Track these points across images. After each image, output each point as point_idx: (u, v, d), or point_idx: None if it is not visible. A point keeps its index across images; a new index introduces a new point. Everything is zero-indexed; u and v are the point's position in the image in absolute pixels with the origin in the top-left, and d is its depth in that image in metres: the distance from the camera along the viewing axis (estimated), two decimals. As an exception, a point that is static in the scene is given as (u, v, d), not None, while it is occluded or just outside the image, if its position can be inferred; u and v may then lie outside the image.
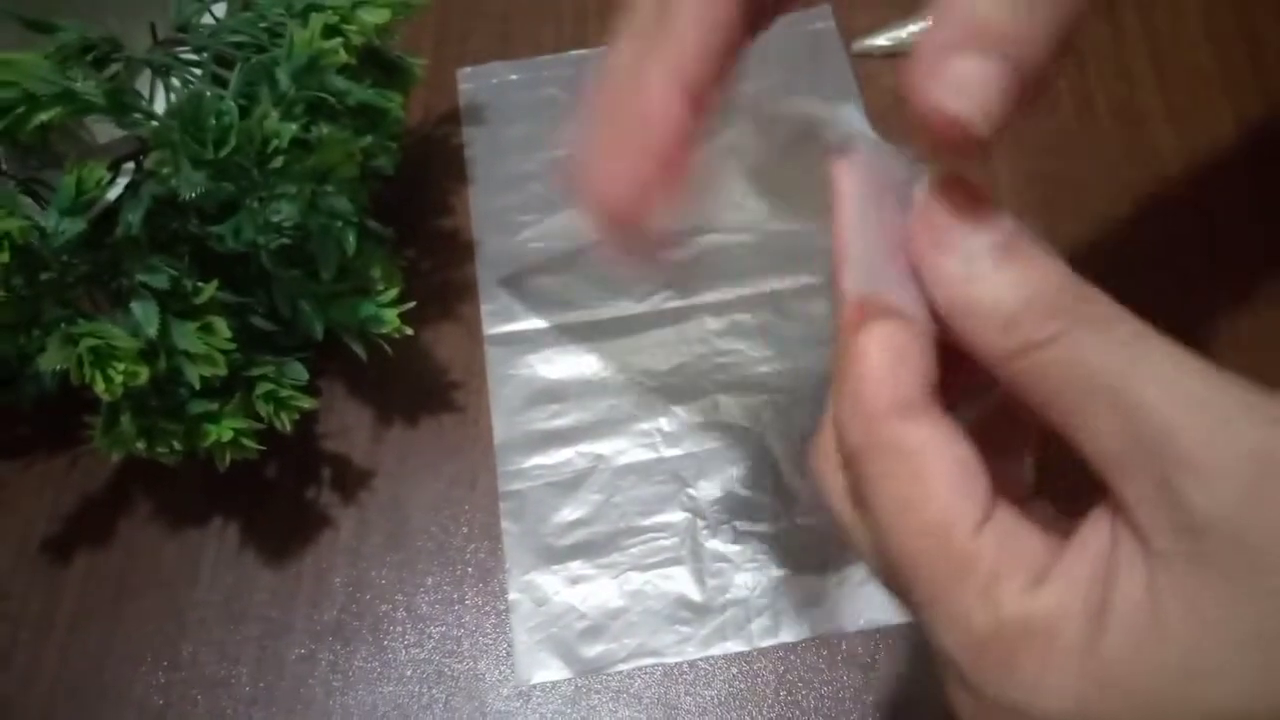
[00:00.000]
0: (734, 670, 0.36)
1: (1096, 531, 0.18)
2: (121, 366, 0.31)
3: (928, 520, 0.19)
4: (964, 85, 0.19)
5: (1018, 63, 0.19)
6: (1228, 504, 0.16)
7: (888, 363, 0.19)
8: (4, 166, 0.36)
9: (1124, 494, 0.17)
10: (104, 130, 0.40)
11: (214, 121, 0.32)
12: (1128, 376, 0.17)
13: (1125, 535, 0.18)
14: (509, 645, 0.37)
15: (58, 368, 0.32)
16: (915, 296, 0.20)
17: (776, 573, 0.37)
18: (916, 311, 0.20)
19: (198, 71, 0.37)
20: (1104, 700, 0.17)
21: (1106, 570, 0.18)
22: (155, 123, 0.34)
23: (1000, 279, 0.19)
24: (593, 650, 0.36)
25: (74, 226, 0.32)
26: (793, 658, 0.36)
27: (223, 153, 0.32)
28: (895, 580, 0.20)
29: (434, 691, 0.36)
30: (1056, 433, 0.18)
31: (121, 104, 0.33)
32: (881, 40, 0.49)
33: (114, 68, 0.36)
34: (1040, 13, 0.19)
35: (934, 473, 0.19)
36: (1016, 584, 0.18)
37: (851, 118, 0.21)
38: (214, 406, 0.35)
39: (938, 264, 0.20)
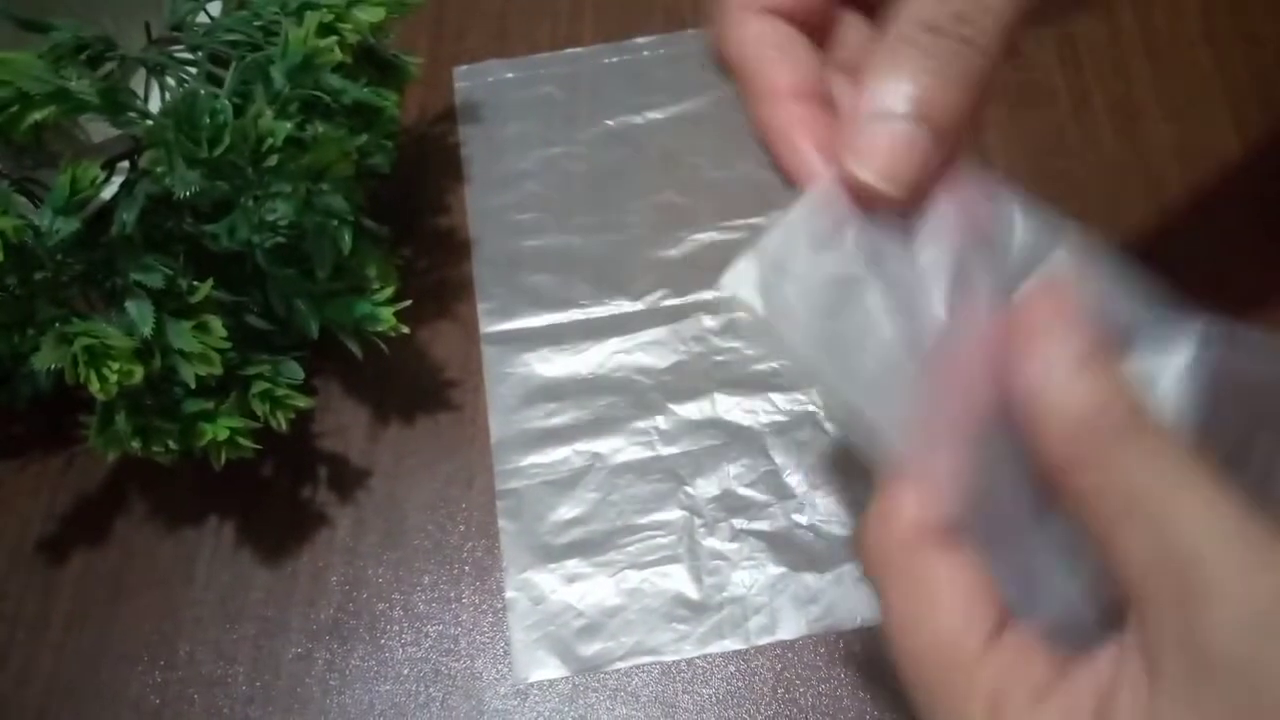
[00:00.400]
0: (731, 668, 0.36)
1: (1105, 653, 0.19)
2: (116, 366, 0.31)
3: (937, 638, 0.20)
4: (872, 153, 0.20)
5: (930, 127, 0.20)
6: (1240, 639, 0.16)
7: (917, 499, 0.21)
8: (-2, 165, 0.36)
9: (1142, 612, 0.18)
10: (98, 129, 0.40)
11: (208, 120, 0.32)
12: (1166, 501, 0.18)
13: (1133, 656, 0.18)
14: (506, 644, 0.37)
15: (52, 367, 0.32)
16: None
17: (774, 571, 0.37)
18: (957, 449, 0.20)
19: (192, 70, 0.37)
20: None
21: (1109, 690, 0.18)
22: (150, 122, 0.34)
23: (1073, 389, 0.19)
24: (590, 649, 0.36)
25: (68, 225, 0.32)
26: (790, 655, 0.36)
27: (217, 151, 0.32)
28: (903, 674, 0.21)
29: (431, 690, 0.36)
30: (1096, 543, 0.19)
31: (116, 103, 0.33)
32: (878, 38, 0.49)
33: (108, 67, 0.36)
34: (951, 75, 0.20)
35: (946, 598, 0.20)
36: (1019, 701, 0.19)
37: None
38: (209, 406, 0.35)
39: (1023, 358, 0.20)
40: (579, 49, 0.50)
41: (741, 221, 0.45)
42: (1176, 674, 0.17)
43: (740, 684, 0.35)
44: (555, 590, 0.37)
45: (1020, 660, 0.19)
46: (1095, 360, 0.20)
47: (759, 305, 0.20)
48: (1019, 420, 0.20)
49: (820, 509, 0.38)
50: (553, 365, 0.42)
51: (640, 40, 0.50)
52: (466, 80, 0.50)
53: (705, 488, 0.39)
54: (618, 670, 0.36)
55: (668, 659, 0.36)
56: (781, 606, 0.36)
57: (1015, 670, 0.19)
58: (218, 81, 0.36)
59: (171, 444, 0.34)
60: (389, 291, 0.38)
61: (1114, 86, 0.46)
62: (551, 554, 0.38)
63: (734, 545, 0.38)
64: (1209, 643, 0.17)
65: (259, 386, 0.36)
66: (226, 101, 0.33)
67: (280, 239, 0.35)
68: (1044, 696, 0.19)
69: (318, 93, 0.36)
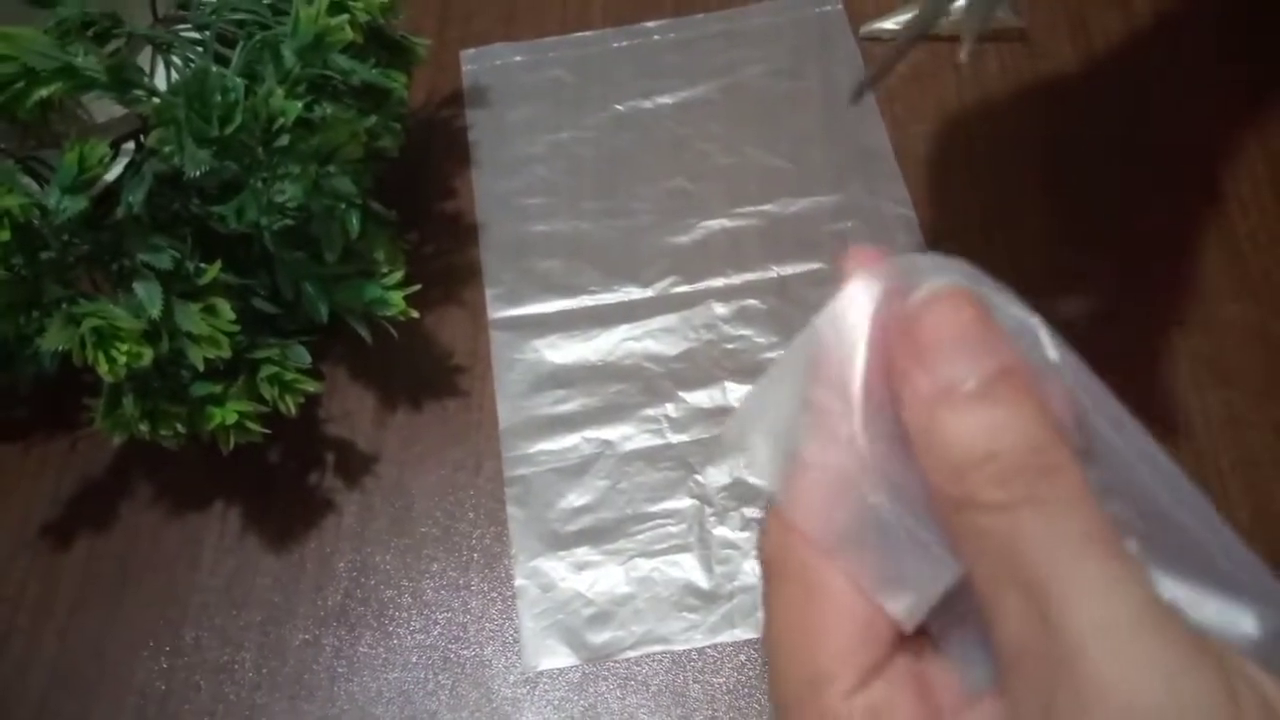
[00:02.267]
0: (742, 657, 0.35)
1: (984, 709, 0.17)
2: (125, 347, 0.31)
3: (807, 665, 0.18)
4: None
5: None
6: None
7: (824, 497, 0.18)
8: (2, 144, 0.35)
9: (1010, 687, 0.16)
10: (101, 109, 0.39)
11: (219, 98, 0.31)
12: (1057, 579, 0.15)
13: None
14: (515, 631, 0.36)
15: (59, 348, 0.31)
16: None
17: (785, 559, 0.37)
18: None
19: (199, 49, 0.37)
20: None
21: None
22: (157, 99, 0.33)
23: (969, 418, 0.17)
24: (600, 637, 0.36)
25: (76, 205, 0.31)
26: (801, 645, 0.35)
27: (228, 130, 0.31)
28: (771, 689, 0.19)
29: (440, 678, 0.36)
30: (977, 594, 0.17)
31: (123, 80, 0.33)
32: (889, 24, 0.48)
33: (115, 44, 0.35)
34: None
35: (829, 619, 0.18)
36: None
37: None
38: (217, 389, 0.35)
39: (912, 378, 0.17)
40: (588, 32, 0.50)
41: (751, 208, 0.44)
42: None
43: (751, 673, 0.35)
44: (565, 578, 0.37)
45: (888, 710, 0.17)
46: (1002, 386, 0.17)
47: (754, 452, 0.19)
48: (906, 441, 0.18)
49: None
50: (562, 352, 0.42)
51: (650, 24, 0.50)
52: (474, 63, 0.49)
53: (716, 476, 0.39)
54: (628, 659, 0.36)
55: (678, 648, 0.36)
56: (793, 595, 0.36)
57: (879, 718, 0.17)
58: (224, 61, 0.36)
59: (180, 427, 0.34)
60: (398, 275, 0.38)
61: (1126, 73, 0.46)
62: (561, 541, 0.38)
63: (745, 534, 0.37)
64: None
65: (267, 370, 0.35)
66: (238, 80, 0.32)
67: (288, 221, 0.35)
68: None
69: (327, 73, 0.36)
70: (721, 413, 0.40)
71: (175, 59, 0.37)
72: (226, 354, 0.34)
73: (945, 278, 0.18)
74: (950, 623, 0.18)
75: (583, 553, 0.38)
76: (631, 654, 0.36)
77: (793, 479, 0.19)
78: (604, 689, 0.35)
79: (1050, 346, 0.18)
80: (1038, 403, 0.17)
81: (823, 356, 0.18)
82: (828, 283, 0.42)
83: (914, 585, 0.18)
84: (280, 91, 0.33)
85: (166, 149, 0.32)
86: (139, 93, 0.33)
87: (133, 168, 0.35)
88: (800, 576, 0.18)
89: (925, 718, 0.18)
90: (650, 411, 0.40)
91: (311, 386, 0.36)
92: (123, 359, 0.31)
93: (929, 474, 0.17)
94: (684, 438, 0.39)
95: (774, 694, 0.19)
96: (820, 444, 0.18)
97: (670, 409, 0.40)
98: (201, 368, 0.33)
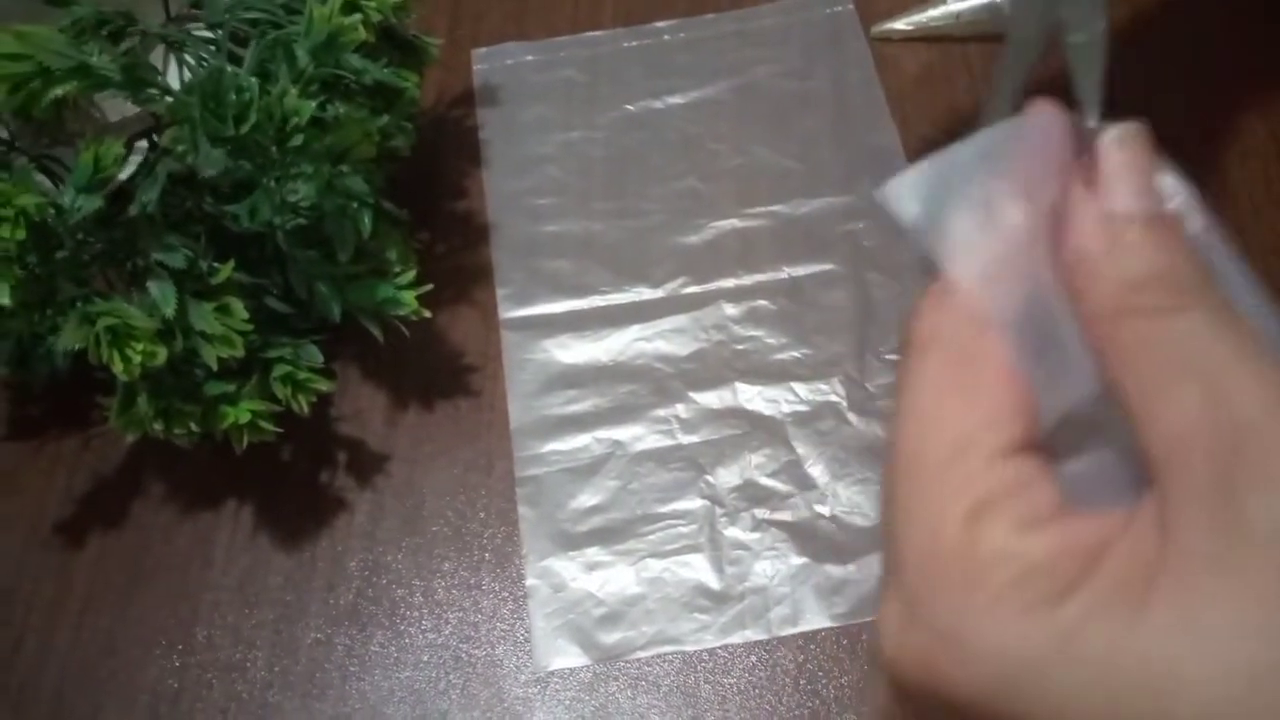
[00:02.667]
0: (753, 658, 0.35)
1: (1113, 516, 0.18)
2: (140, 346, 0.31)
3: (955, 429, 0.18)
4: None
5: None
6: None
7: (986, 276, 0.19)
8: (17, 143, 0.35)
9: (1171, 482, 0.17)
10: (114, 107, 0.39)
11: (234, 98, 0.31)
12: (1231, 366, 0.17)
13: (1146, 517, 0.17)
14: (527, 631, 0.36)
15: (74, 347, 0.31)
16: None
17: (796, 561, 0.37)
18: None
19: (212, 48, 0.37)
20: (1055, 660, 0.16)
21: (1108, 546, 0.17)
22: (171, 99, 0.33)
23: (1143, 242, 0.18)
24: (611, 637, 0.36)
25: (91, 203, 0.31)
26: (812, 647, 0.35)
27: (243, 129, 0.31)
28: (892, 464, 0.19)
29: (451, 677, 0.36)
30: (1116, 396, 0.18)
31: (137, 79, 0.33)
32: (900, 24, 0.48)
33: (129, 43, 0.35)
34: None
35: (986, 388, 0.18)
36: (1008, 519, 0.17)
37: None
38: (231, 388, 0.35)
39: (1090, 205, 0.19)
40: (599, 32, 0.50)
41: (762, 208, 0.44)
42: (1199, 553, 0.16)
43: (762, 674, 0.35)
44: (576, 578, 0.37)
45: (1028, 483, 0.18)
46: (1170, 222, 0.19)
47: (912, 216, 0.20)
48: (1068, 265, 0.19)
49: (843, 500, 0.38)
50: (572, 352, 0.42)
51: (660, 24, 0.50)
52: (485, 63, 0.49)
53: (726, 477, 0.39)
54: (638, 659, 0.36)
55: (689, 648, 0.36)
56: (804, 597, 0.36)
57: (1017, 490, 0.18)
58: (236, 59, 0.36)
59: (193, 426, 0.34)
60: (410, 275, 0.38)
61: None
62: (572, 541, 0.38)
63: (756, 535, 0.37)
64: (1247, 527, 0.15)
65: (280, 369, 0.36)
66: (253, 79, 0.32)
67: (301, 220, 0.35)
68: (1034, 526, 0.17)
69: (339, 72, 0.36)
70: (732, 413, 0.40)
71: (188, 58, 0.37)
72: (240, 353, 0.34)
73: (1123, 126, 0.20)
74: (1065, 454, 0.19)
75: (594, 553, 0.38)
76: (642, 654, 0.36)
77: (963, 255, 0.19)
78: (615, 689, 0.35)
79: (1199, 216, 0.20)
80: (1192, 244, 0.19)
81: (1007, 158, 0.20)
82: (838, 283, 0.42)
83: (1055, 387, 0.19)
84: (294, 91, 0.33)
85: (181, 148, 0.32)
86: (153, 92, 0.33)
87: (146, 166, 0.35)
88: (956, 345, 0.19)
89: (1057, 505, 0.18)
90: (661, 412, 0.40)
91: (324, 385, 0.36)
92: (137, 358, 0.31)
93: (1095, 291, 0.18)
94: (694, 438, 0.40)
95: (901, 461, 0.19)
96: (996, 234, 0.19)
97: (681, 409, 0.40)
98: (215, 367, 0.33)
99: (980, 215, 0.19)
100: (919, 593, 0.18)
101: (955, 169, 0.20)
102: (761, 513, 0.38)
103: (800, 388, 0.40)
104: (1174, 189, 0.20)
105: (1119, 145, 0.19)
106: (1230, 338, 0.17)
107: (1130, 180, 0.19)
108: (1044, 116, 0.20)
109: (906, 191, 0.20)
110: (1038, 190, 0.19)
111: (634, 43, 0.49)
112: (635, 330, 0.42)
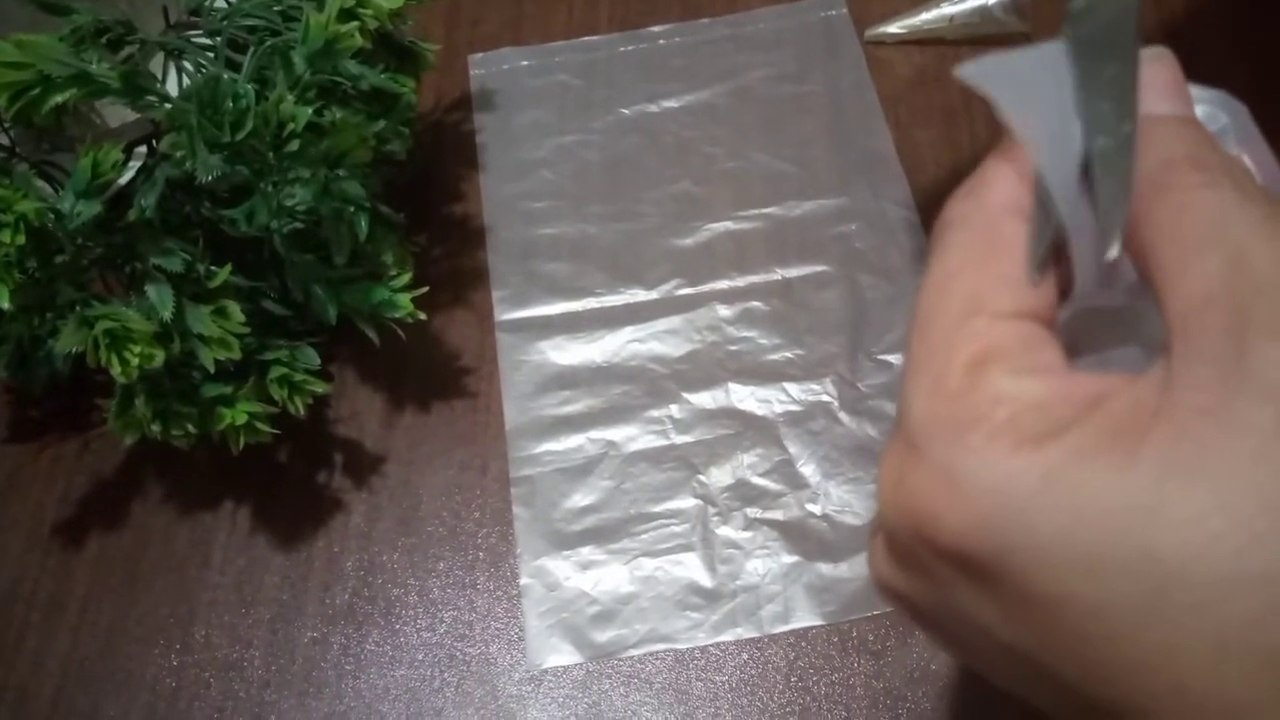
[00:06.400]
0: (745, 656, 0.36)
1: (1117, 376, 0.18)
2: (138, 349, 0.31)
3: (969, 292, 0.19)
4: None
5: None
6: None
7: (1019, 174, 0.20)
8: (17, 149, 0.36)
9: (1182, 342, 0.17)
10: (113, 113, 0.40)
11: (231, 104, 0.32)
12: (1254, 233, 0.17)
13: (1149, 381, 0.17)
14: (520, 630, 0.37)
15: (73, 350, 0.32)
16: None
17: (787, 560, 0.37)
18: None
19: (210, 55, 0.37)
20: (1041, 497, 0.16)
21: (1107, 397, 0.17)
22: (169, 105, 0.34)
23: (1174, 129, 0.19)
24: (604, 635, 0.36)
25: (90, 209, 0.32)
26: (804, 644, 0.36)
27: (239, 136, 0.32)
28: (912, 329, 0.20)
29: (446, 675, 0.36)
30: (1146, 275, 0.18)
31: (136, 86, 0.33)
32: (894, 28, 0.49)
33: (128, 50, 0.36)
34: None
35: (1003, 257, 0.19)
36: (1010, 365, 0.18)
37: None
38: (228, 390, 0.35)
39: (1143, 97, 0.20)
40: (594, 37, 0.50)
41: (756, 211, 0.45)
42: (1205, 407, 0.16)
43: (754, 672, 0.35)
44: (569, 577, 0.38)
45: (1033, 341, 0.18)
46: (1197, 122, 0.20)
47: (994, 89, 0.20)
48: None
49: (834, 499, 0.38)
50: (567, 353, 0.42)
51: (655, 29, 0.50)
52: (482, 68, 0.50)
53: (719, 477, 0.39)
54: (631, 657, 0.36)
55: (681, 646, 0.36)
56: (795, 595, 0.37)
57: (1022, 344, 0.18)
58: (235, 66, 0.36)
59: (190, 428, 0.34)
60: (406, 278, 0.38)
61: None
62: (566, 541, 0.38)
63: (747, 534, 0.38)
64: (1255, 382, 0.15)
65: (277, 371, 0.36)
66: (249, 86, 0.33)
67: (298, 224, 0.35)
68: (1032, 372, 0.18)
69: (336, 78, 0.36)
70: (725, 414, 0.40)
71: (186, 65, 0.37)
72: (237, 355, 0.34)
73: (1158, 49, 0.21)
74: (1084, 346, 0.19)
75: (587, 552, 0.38)
76: (635, 652, 0.36)
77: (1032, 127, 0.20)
78: (608, 687, 0.36)
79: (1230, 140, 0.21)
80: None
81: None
82: (830, 284, 0.43)
83: (1089, 266, 0.19)
84: (291, 97, 0.33)
85: (179, 154, 0.33)
86: (152, 99, 0.34)
87: (144, 172, 0.36)
88: (983, 223, 0.20)
89: (1063, 365, 0.18)
90: (654, 412, 0.40)
91: (320, 388, 0.37)
92: (135, 360, 0.31)
93: (1136, 170, 0.19)
94: (688, 439, 0.40)
95: (919, 323, 0.19)
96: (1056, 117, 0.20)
97: (674, 410, 0.41)
98: (212, 369, 0.34)
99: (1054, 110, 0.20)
100: (918, 435, 0.18)
101: (1026, 63, 0.21)
102: (753, 512, 0.38)
103: (792, 388, 0.41)
104: (1212, 111, 0.21)
105: (1153, 58, 0.20)
106: (1255, 210, 0.17)
107: (1163, 88, 0.20)
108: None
109: (993, 69, 0.20)
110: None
111: (629, 47, 0.50)
112: (629, 332, 0.42)
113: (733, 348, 0.42)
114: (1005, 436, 0.17)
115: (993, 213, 0.20)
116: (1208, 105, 0.21)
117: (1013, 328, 0.18)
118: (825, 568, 0.37)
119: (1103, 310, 0.20)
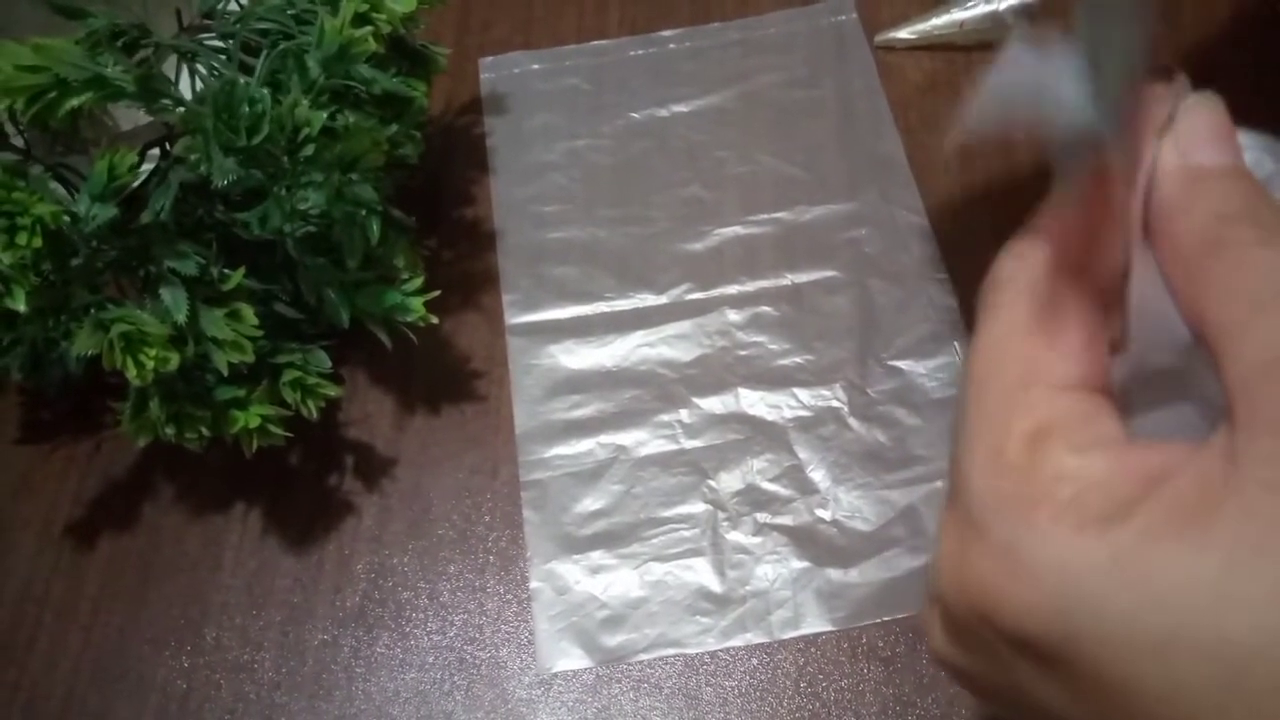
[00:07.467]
0: (754, 661, 0.36)
1: (1178, 446, 0.17)
2: (153, 352, 0.31)
3: (1023, 359, 0.19)
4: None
5: None
6: None
7: (1065, 232, 0.19)
8: (32, 152, 0.36)
9: (1243, 410, 0.16)
10: (127, 116, 0.40)
11: (247, 109, 0.32)
12: None
13: (1212, 453, 0.16)
14: (530, 633, 0.37)
15: (88, 353, 0.32)
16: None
17: (797, 565, 0.37)
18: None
19: (223, 58, 0.37)
20: (1111, 579, 0.16)
21: (1171, 472, 0.17)
22: (184, 109, 0.34)
23: (1226, 184, 0.19)
24: (614, 640, 0.36)
25: (105, 212, 0.32)
26: (813, 650, 0.36)
27: (255, 140, 0.32)
28: (964, 393, 0.19)
29: (455, 679, 0.36)
30: (1201, 336, 0.18)
31: (152, 90, 0.33)
32: (904, 33, 0.49)
33: (142, 53, 0.36)
34: None
35: (1057, 324, 0.19)
36: (1071, 440, 0.18)
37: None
38: (241, 393, 0.35)
39: (1173, 157, 0.19)
40: (604, 41, 0.50)
41: (765, 216, 0.45)
42: (1268, 459, 0.15)
43: (763, 677, 0.36)
44: (579, 581, 0.38)
45: (1092, 414, 0.18)
46: (1248, 174, 0.19)
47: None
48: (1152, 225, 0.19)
49: (844, 504, 0.38)
50: (577, 357, 0.42)
51: (666, 33, 0.50)
52: (492, 71, 0.50)
53: (729, 482, 0.39)
54: (641, 661, 0.36)
55: (691, 651, 0.36)
56: (805, 601, 0.37)
57: (1081, 417, 0.18)
58: (248, 70, 0.37)
59: (204, 430, 0.34)
60: (418, 282, 0.38)
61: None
62: (575, 545, 0.38)
63: (757, 539, 0.38)
64: None
65: (290, 375, 0.36)
66: (265, 90, 0.33)
67: (311, 228, 0.36)
68: (1094, 447, 0.17)
69: (349, 82, 0.36)
70: (735, 419, 0.40)
71: (200, 68, 0.37)
72: (250, 358, 0.34)
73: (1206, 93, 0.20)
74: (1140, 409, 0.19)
75: (597, 556, 0.38)
76: (645, 657, 0.36)
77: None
78: (617, 691, 0.36)
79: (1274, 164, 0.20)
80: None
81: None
82: (840, 290, 0.43)
83: (1141, 333, 0.19)
84: (305, 102, 0.33)
85: (193, 157, 0.33)
86: (166, 102, 0.34)
87: (159, 175, 0.36)
88: (1034, 285, 0.19)
89: (1123, 438, 0.18)
90: (664, 417, 0.41)
91: (332, 391, 0.37)
92: (150, 363, 0.31)
93: (1186, 226, 0.18)
94: (697, 443, 0.40)
95: (973, 391, 0.19)
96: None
97: (684, 415, 0.41)
98: (225, 372, 0.34)
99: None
100: (978, 513, 0.18)
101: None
102: (763, 517, 0.38)
103: (802, 393, 0.41)
104: (1249, 144, 0.20)
105: (1199, 104, 0.20)
106: None
107: (1211, 136, 0.19)
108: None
109: (995, 99, 0.20)
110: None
111: (639, 51, 0.50)
112: (639, 336, 0.42)
113: (742, 353, 0.42)
114: (1070, 517, 0.17)
115: (1042, 274, 0.19)
116: (1254, 151, 0.20)
117: (1072, 400, 0.18)
118: (835, 573, 0.37)
119: (1157, 367, 0.19)
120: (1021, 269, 0.20)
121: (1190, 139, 0.19)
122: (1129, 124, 0.19)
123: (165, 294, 0.33)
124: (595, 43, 0.50)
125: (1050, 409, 0.18)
